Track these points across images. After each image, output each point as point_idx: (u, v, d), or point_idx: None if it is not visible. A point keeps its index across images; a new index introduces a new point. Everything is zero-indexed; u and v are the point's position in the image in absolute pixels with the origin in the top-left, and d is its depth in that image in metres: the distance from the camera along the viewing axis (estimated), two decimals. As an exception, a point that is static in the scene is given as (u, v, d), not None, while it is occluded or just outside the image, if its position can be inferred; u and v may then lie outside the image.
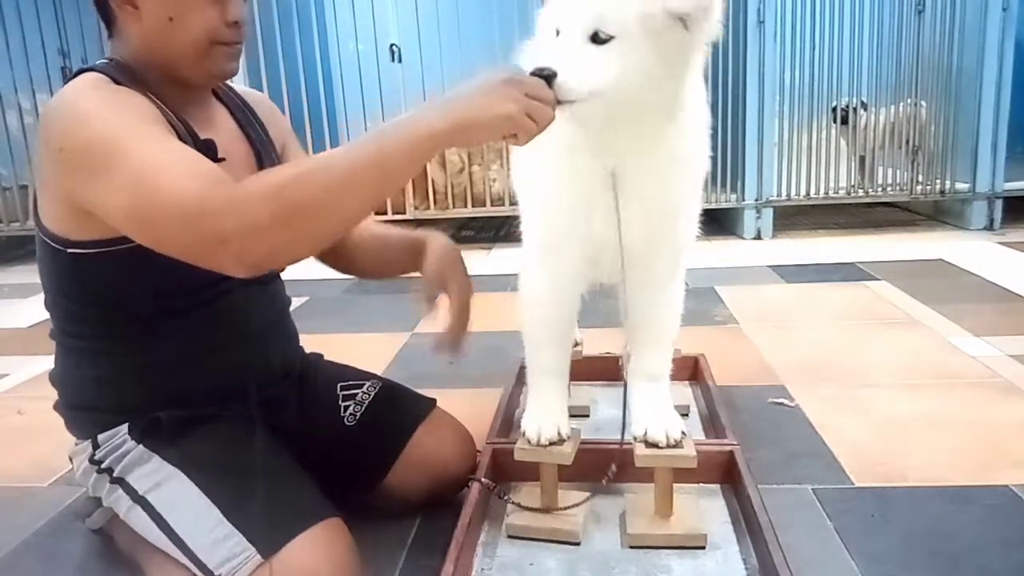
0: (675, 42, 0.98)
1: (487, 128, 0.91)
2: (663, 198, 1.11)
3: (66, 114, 0.97)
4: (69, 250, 1.06)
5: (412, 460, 1.30)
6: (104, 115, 0.95)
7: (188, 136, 1.08)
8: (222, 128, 1.20)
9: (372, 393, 1.37)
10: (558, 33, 1.00)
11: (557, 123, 0.96)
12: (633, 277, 1.20)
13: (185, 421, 1.12)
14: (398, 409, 1.37)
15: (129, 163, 0.91)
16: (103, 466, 1.13)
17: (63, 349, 1.19)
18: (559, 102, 0.95)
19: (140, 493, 1.09)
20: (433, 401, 1.41)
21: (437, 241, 1.28)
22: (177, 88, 1.11)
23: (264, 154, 1.26)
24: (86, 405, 1.17)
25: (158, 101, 1.06)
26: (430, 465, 1.31)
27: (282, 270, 1.25)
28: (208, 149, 1.06)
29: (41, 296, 1.16)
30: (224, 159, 1.08)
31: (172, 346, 1.15)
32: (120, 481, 1.12)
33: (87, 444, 1.16)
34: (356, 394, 1.36)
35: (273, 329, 1.30)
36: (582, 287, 1.25)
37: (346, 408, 1.34)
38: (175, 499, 1.06)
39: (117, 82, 1.04)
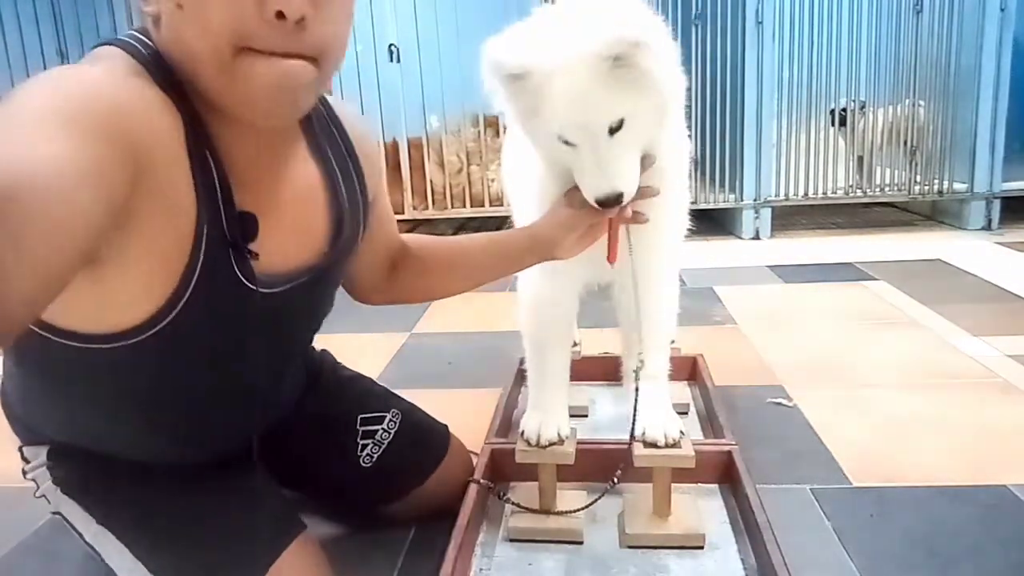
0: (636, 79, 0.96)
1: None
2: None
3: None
4: None
5: (416, 499, 1.29)
6: (41, 93, 0.67)
7: (221, 200, 0.75)
8: (292, 182, 0.85)
9: (392, 431, 1.28)
10: (566, 143, 0.99)
11: None
12: (623, 275, 1.22)
13: (111, 472, 1.00)
14: (416, 451, 1.30)
15: None
16: (39, 491, 1.06)
17: (17, 370, 0.99)
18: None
19: (86, 539, 1.02)
20: (447, 436, 1.35)
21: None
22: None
23: (347, 221, 0.93)
24: (18, 415, 1.06)
25: (193, 125, 0.73)
26: (432, 504, 1.29)
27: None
28: (243, 225, 0.77)
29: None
30: (257, 255, 0.79)
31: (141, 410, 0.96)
32: (63, 516, 1.05)
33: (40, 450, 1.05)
34: (376, 431, 1.27)
35: (272, 399, 1.14)
36: (579, 287, 1.26)
37: (363, 447, 1.26)
38: (114, 562, 0.99)
39: (151, 76, 0.73)
